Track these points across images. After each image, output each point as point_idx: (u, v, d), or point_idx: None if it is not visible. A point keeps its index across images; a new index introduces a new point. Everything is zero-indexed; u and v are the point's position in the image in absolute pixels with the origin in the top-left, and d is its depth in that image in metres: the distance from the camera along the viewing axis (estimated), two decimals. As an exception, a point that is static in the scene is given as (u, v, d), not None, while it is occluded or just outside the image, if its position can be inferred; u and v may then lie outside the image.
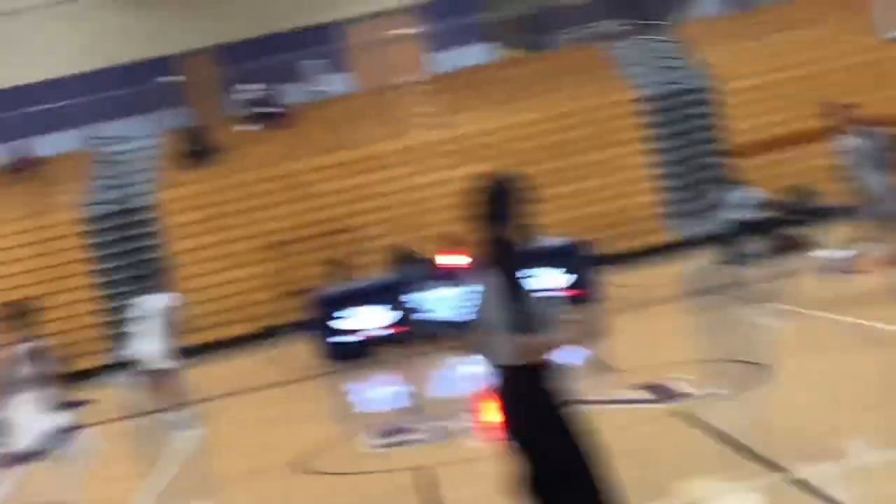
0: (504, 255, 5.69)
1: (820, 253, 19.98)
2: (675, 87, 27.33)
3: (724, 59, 27.43)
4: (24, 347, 10.38)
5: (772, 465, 7.96)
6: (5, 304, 11.52)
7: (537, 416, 5.61)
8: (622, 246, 23.81)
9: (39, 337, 10.67)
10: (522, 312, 5.53)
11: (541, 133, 26.30)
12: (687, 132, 26.89)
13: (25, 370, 10.30)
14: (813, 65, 26.06)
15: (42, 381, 10.38)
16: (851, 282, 16.44)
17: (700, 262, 21.65)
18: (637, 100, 27.25)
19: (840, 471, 7.78)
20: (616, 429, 10.08)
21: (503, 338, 5.47)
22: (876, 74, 25.02)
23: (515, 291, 5.59)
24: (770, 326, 15.19)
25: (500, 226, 5.72)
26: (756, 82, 26.38)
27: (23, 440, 10.26)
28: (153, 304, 15.64)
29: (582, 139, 26.15)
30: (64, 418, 10.67)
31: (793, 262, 19.77)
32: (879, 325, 12.16)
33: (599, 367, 13.59)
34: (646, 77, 27.86)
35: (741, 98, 26.48)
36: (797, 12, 28.62)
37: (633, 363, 13.71)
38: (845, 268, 17.32)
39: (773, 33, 27.78)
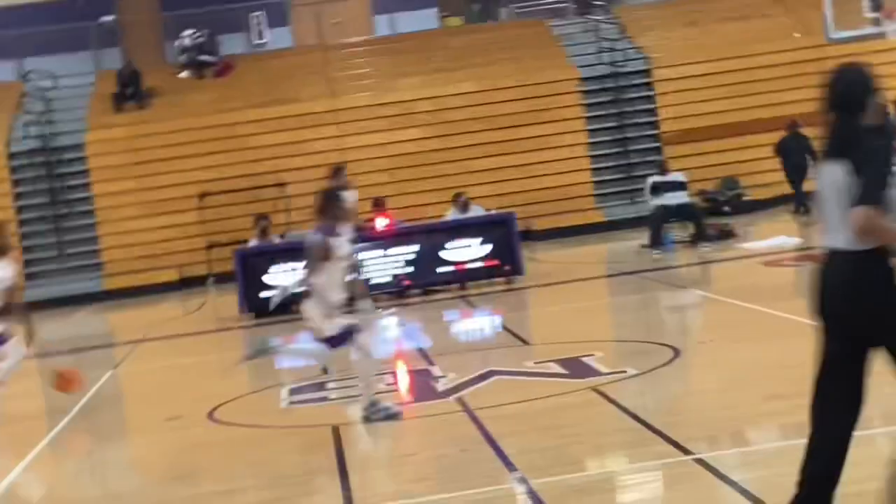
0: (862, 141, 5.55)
1: (743, 244, 20.35)
2: (611, 68, 27.42)
3: (661, 41, 27.67)
4: None
5: (676, 446, 8.07)
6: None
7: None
8: (553, 223, 23.94)
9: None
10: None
11: (479, 104, 26.29)
12: (621, 114, 26.99)
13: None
14: (754, 58, 26.30)
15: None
16: (771, 272, 16.73)
17: (627, 244, 21.83)
18: (576, 79, 27.32)
19: (740, 454, 7.95)
20: (529, 401, 10.23)
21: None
22: (816, 73, 25.30)
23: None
24: (686, 311, 15.39)
25: (855, 114, 5.64)
26: (691, 69, 26.59)
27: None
28: None
29: (519, 113, 26.16)
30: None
31: (716, 249, 20.08)
32: (793, 316, 12.37)
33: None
34: (585, 57, 27.91)
35: (673, 82, 26.72)
36: (746, 7, 28.85)
37: (550, 339, 13.84)
38: (765, 259, 17.63)
39: (717, 24, 28.03)
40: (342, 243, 10.15)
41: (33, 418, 13.13)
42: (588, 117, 26.88)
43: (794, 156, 22.35)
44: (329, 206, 10.33)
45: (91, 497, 9.25)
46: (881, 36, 22.92)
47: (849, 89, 5.72)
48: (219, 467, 9.51)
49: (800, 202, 21.94)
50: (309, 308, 10.07)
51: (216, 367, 15.23)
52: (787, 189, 22.96)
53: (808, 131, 20.61)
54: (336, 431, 9.86)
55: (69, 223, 25.95)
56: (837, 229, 5.50)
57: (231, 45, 29.69)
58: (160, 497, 8.82)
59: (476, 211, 20.46)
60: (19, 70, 28.53)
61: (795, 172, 22.23)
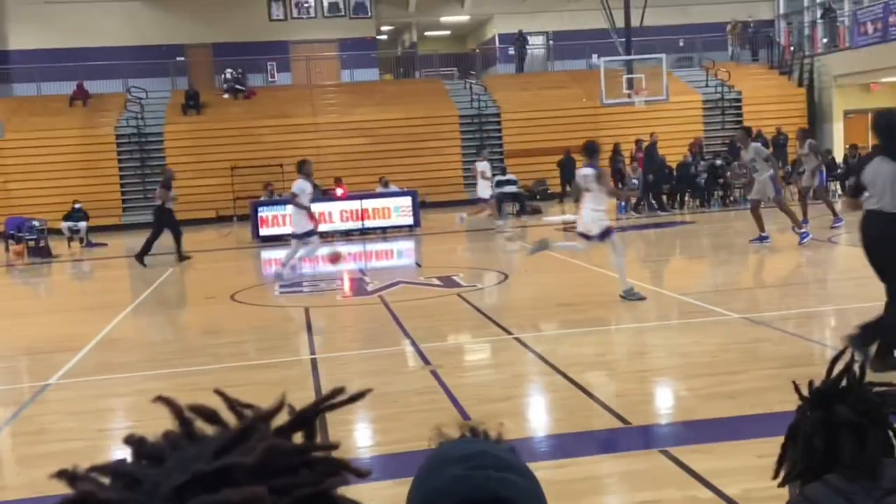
0: None
1: (545, 217, 20.59)
2: (478, 111, 27.45)
3: (508, 98, 27.71)
4: None
5: (503, 329, 8.21)
6: None
7: None
8: (439, 198, 23.97)
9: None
10: None
11: (400, 126, 26.13)
12: (483, 139, 27.05)
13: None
14: (558, 111, 26.52)
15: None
16: (560, 233, 16.98)
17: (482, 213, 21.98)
18: (456, 116, 27.27)
19: (541, 336, 8.11)
20: (419, 300, 10.31)
21: None
22: (592, 124, 25.64)
23: None
24: (512, 254, 15.60)
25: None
26: (526, 115, 26.72)
27: None
28: None
29: (423, 133, 26.12)
30: None
31: (530, 220, 20.31)
32: (573, 260, 12.61)
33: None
34: (463, 103, 27.83)
35: (515, 123, 26.80)
36: (556, 80, 29.02)
37: (434, 264, 13.92)
38: (557, 226, 17.88)
39: (540, 89, 28.17)
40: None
41: (122, 291, 12.88)
42: (461, 138, 26.91)
43: (566, 170, 22.84)
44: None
45: (154, 342, 9.17)
46: (632, 104, 23.25)
47: (889, 121, 5.99)
48: (233, 327, 9.50)
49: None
50: (584, 215, 9.29)
51: (238, 269, 15.10)
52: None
53: (576, 156, 20.89)
54: (307, 311, 9.84)
55: (151, 181, 25.42)
56: (886, 199, 5.71)
57: (255, 80, 29.16)
58: (196, 342, 8.78)
59: (393, 188, 20.52)
60: (125, 85, 27.65)
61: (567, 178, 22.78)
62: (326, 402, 0.64)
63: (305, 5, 31.19)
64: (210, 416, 0.62)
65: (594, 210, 9.13)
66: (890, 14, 24.65)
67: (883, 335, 5.74)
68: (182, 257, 15.50)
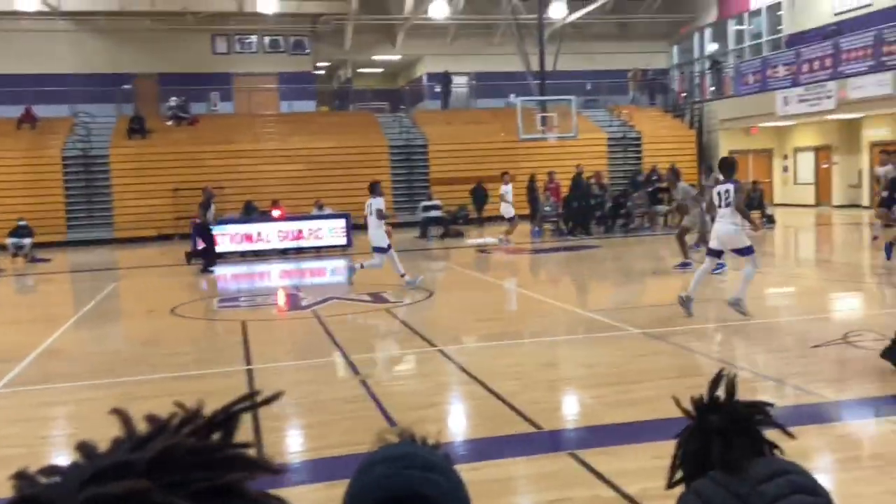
0: None
1: (466, 240, 20.68)
2: (406, 142, 27.47)
3: (434, 131, 27.83)
4: None
5: (429, 343, 8.19)
6: None
7: None
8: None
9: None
10: None
11: (334, 154, 25.94)
12: (411, 168, 27.09)
13: None
14: (479, 144, 26.74)
15: None
16: (480, 256, 17.08)
17: (407, 235, 21.95)
18: (387, 146, 27.22)
19: (462, 348, 8.12)
20: (351, 314, 10.21)
21: None
22: (510, 157, 25.92)
23: None
24: (436, 273, 15.61)
25: None
26: (450, 147, 26.86)
27: None
28: None
29: (355, 160, 25.93)
30: None
31: (453, 243, 20.36)
32: (487, 278, 12.69)
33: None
34: (393, 135, 27.83)
35: (440, 153, 26.90)
36: (478, 115, 29.28)
37: (365, 281, 13.83)
38: (477, 247, 17.97)
39: (463, 125, 28.39)
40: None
41: (64, 304, 12.39)
42: (391, 166, 26.85)
43: (477, 197, 23.73)
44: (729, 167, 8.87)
45: (95, 352, 8.83)
46: (546, 139, 23.64)
47: None
48: (172, 339, 9.20)
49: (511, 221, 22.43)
50: (723, 229, 8.72)
51: (178, 284, 14.68)
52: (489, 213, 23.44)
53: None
54: (244, 324, 9.64)
55: (96, 200, 24.65)
56: None
57: (198, 108, 28.56)
58: (136, 353, 8.48)
59: (328, 210, 20.38)
60: (73, 110, 26.78)
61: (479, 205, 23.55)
62: (237, 406, 0.63)
63: (247, 41, 30.85)
64: (155, 421, 0.61)
65: (734, 224, 8.68)
66: (768, 67, 25.74)
67: None
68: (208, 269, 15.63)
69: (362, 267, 12.41)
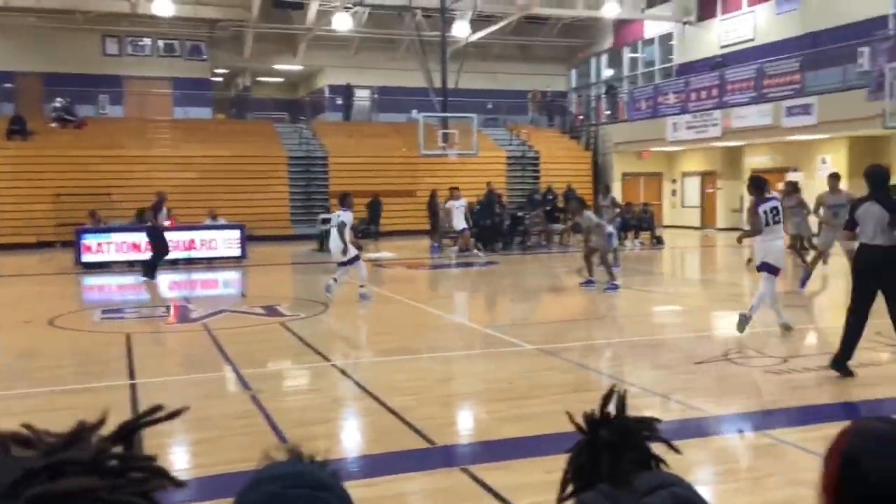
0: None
1: (368, 254, 20.56)
2: (307, 153, 27.18)
3: (335, 143, 27.65)
4: None
5: (324, 357, 8.09)
6: None
7: None
8: (266, 232, 23.38)
9: None
10: None
11: (230, 163, 25.38)
12: (310, 180, 26.79)
13: None
14: (380, 158, 26.75)
15: None
16: (377, 270, 17.03)
17: (305, 247, 21.68)
18: (285, 157, 26.84)
19: (358, 363, 8.06)
20: (242, 328, 9.97)
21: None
22: (410, 172, 26.07)
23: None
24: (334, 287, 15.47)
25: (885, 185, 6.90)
26: (351, 160, 26.73)
27: None
28: None
29: (252, 170, 25.50)
30: None
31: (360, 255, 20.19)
32: (384, 292, 12.67)
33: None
34: (292, 146, 27.46)
35: (340, 166, 26.72)
36: (381, 129, 29.29)
37: (258, 293, 13.54)
38: (377, 263, 17.91)
39: (365, 138, 28.32)
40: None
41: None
42: (289, 177, 26.49)
43: (373, 210, 23.55)
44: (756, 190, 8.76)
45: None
46: (446, 156, 23.86)
47: (877, 172, 6.99)
48: (51, 351, 8.74)
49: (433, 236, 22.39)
50: (771, 248, 8.60)
51: (58, 293, 13.98)
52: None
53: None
54: (128, 336, 9.26)
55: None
56: (877, 236, 6.71)
57: (86, 111, 27.39)
58: (10, 366, 8.00)
59: (221, 221, 19.88)
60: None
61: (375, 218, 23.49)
62: (146, 418, 0.61)
63: (140, 44, 29.82)
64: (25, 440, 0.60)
65: (779, 239, 8.63)
66: (659, 95, 26.90)
67: None
68: (152, 275, 15.13)
69: (363, 287, 12.04)
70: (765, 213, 8.70)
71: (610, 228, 13.61)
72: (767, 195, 8.85)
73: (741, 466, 4.95)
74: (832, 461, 1.02)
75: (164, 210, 16.09)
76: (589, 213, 13.44)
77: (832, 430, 1.09)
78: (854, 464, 1.00)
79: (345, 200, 12.14)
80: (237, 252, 18.48)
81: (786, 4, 24.41)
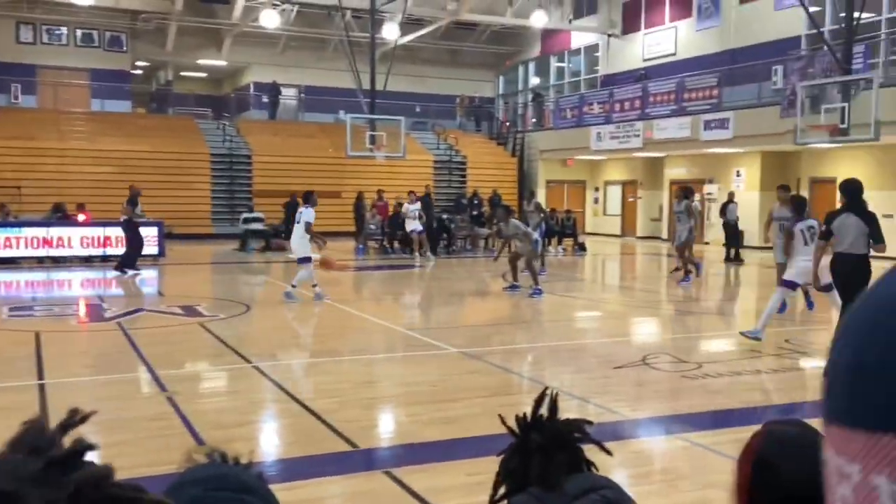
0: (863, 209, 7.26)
1: (290, 254, 20.27)
2: (230, 151, 26.63)
3: (260, 142, 27.22)
4: None
5: (244, 359, 7.94)
6: None
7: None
8: (187, 230, 22.81)
9: None
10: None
11: (150, 158, 24.64)
12: (233, 178, 26.27)
13: None
14: (306, 158, 26.44)
15: None
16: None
17: (226, 247, 21.24)
18: (208, 154, 26.25)
19: (278, 364, 7.93)
20: (159, 328, 9.69)
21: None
22: (337, 173, 25.87)
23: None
24: (254, 287, 15.17)
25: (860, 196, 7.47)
26: (276, 159, 26.34)
27: None
28: None
29: (173, 167, 24.85)
30: None
31: (275, 256, 19.90)
32: (307, 293, 12.50)
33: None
34: (215, 143, 26.88)
35: (265, 165, 26.30)
36: (304, 128, 28.96)
37: (177, 293, 13.19)
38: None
39: (290, 137, 27.98)
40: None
41: None
42: (212, 176, 25.92)
43: (290, 210, 22.89)
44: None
45: None
46: (374, 157, 23.75)
47: (854, 187, 7.48)
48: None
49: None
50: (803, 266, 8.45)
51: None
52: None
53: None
54: (38, 335, 8.90)
55: None
56: (852, 246, 7.19)
57: (-2, 100, 26.25)
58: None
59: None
60: None
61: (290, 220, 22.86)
62: (70, 421, 0.59)
63: (57, 32, 28.69)
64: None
65: (808, 260, 8.48)
66: (584, 104, 27.45)
67: None
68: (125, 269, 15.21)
69: (294, 287, 11.86)
70: (801, 231, 8.67)
71: (536, 235, 13.75)
72: (806, 215, 8.84)
73: (656, 469, 5.07)
74: (745, 464, 1.04)
75: (140, 205, 16.08)
76: (516, 222, 13.52)
77: (744, 433, 1.13)
78: (766, 466, 1.02)
79: (307, 198, 12.10)
80: (154, 250, 17.95)
81: (706, 21, 25.25)
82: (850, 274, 7.27)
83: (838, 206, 8.06)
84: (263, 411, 6.31)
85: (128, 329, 9.26)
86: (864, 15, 17.59)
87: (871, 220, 7.43)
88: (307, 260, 11.87)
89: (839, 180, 22.21)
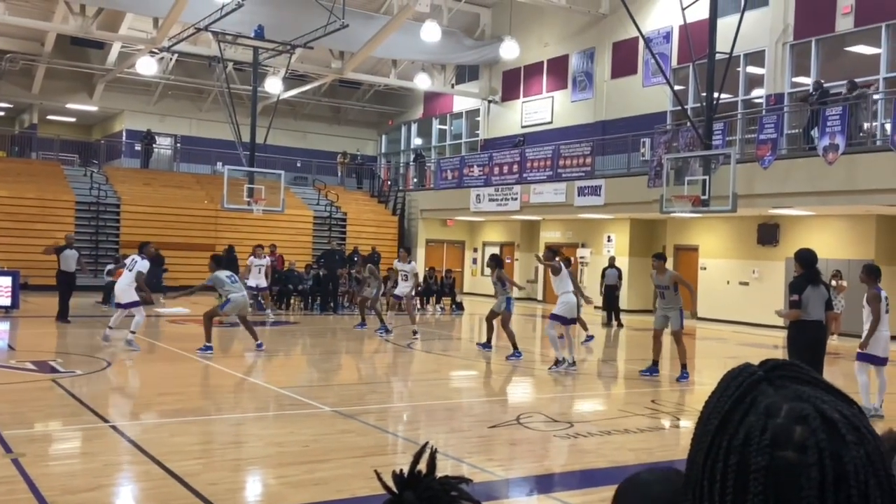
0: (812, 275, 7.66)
1: (159, 309, 19.41)
2: (98, 199, 25.43)
3: (130, 190, 26.24)
4: None
5: (101, 418, 7.49)
6: None
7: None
8: (43, 281, 21.49)
9: None
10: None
11: (9, 204, 23.31)
12: (99, 227, 25.06)
13: None
14: (180, 209, 25.66)
15: None
16: (169, 325, 16.09)
17: (89, 299, 20.13)
18: (73, 201, 24.99)
19: (141, 425, 7.51)
20: (7, 384, 9.02)
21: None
22: (212, 225, 25.17)
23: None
24: (118, 341, 14.42)
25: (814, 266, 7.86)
26: (147, 210, 25.40)
27: None
28: None
29: (33, 214, 23.52)
30: None
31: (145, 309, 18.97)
32: (184, 353, 11.95)
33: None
34: (81, 190, 25.66)
35: (134, 215, 25.31)
36: (183, 180, 28.15)
37: (29, 348, 12.35)
38: (169, 318, 16.90)
39: (161, 187, 27.10)
40: None
41: None
42: (76, 224, 24.62)
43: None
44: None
45: None
46: (252, 211, 23.32)
47: (808, 255, 7.75)
48: None
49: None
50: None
51: None
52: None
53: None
54: None
55: None
56: (818, 313, 7.57)
57: None
58: None
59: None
60: None
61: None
62: None
63: None
64: None
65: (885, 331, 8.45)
66: (465, 166, 28.10)
67: None
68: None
69: (133, 333, 12.34)
70: (885, 298, 8.39)
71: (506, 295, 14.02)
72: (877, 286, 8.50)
73: (528, 528, 5.09)
74: None
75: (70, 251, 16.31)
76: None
77: (610, 492, 1.15)
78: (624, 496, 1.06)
79: (143, 248, 13.03)
80: (7, 301, 16.79)
81: (580, 94, 26.57)
82: (820, 339, 7.83)
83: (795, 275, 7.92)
84: (119, 474, 5.93)
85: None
86: (724, 95, 18.99)
87: (828, 289, 8.02)
88: (136, 304, 12.42)
89: (701, 248, 23.33)
